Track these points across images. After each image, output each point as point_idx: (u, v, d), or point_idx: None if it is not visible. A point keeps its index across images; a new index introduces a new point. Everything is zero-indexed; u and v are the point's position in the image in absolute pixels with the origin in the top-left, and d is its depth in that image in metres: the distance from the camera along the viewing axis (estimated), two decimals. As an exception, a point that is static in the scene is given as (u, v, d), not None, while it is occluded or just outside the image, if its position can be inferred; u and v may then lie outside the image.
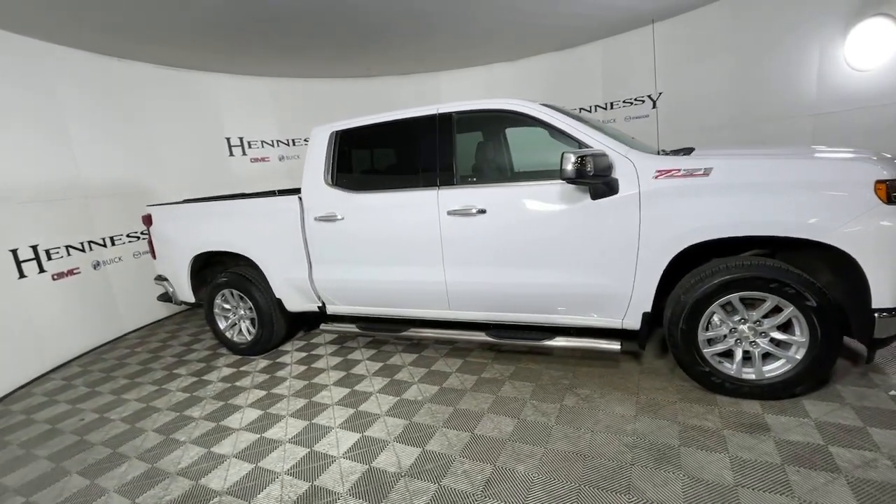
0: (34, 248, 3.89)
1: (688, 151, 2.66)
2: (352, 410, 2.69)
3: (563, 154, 2.25)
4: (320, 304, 3.42)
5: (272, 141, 6.65)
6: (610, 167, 2.32)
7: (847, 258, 2.03)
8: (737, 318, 2.30)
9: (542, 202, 2.55)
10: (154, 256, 3.93)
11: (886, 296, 2.02)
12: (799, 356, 2.20)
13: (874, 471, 1.76)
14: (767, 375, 2.27)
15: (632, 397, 2.49)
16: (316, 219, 3.15)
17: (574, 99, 6.30)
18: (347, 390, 2.95)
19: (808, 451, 1.91)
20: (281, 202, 3.32)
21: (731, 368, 2.35)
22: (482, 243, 2.70)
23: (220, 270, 3.89)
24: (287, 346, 3.85)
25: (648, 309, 2.43)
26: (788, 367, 2.23)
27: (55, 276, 4.05)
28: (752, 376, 2.30)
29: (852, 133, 4.30)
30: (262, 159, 6.56)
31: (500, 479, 1.96)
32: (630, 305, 2.47)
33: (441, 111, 2.87)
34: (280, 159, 6.75)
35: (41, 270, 3.94)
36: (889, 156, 2.13)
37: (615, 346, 2.58)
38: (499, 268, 2.69)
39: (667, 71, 5.49)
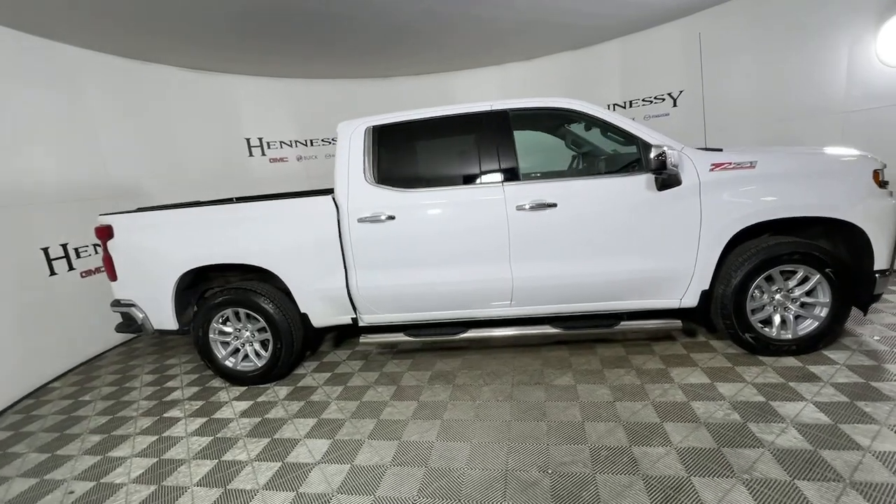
0: (64, 246, 4.03)
1: (717, 151, 3.07)
2: (438, 421, 2.50)
3: (649, 148, 2.45)
4: (354, 316, 3.11)
5: (290, 141, 6.70)
6: (678, 161, 2.58)
7: (857, 231, 2.57)
8: (774, 288, 2.73)
9: (612, 194, 2.71)
10: (113, 277, 3.15)
11: (883, 260, 2.59)
12: (823, 314, 2.69)
13: (913, 394, 2.25)
14: (801, 334, 2.72)
15: (695, 369, 2.76)
16: (359, 220, 2.87)
17: (591, 97, 6.17)
18: (414, 402, 2.73)
19: (859, 388, 2.35)
20: (312, 204, 2.96)
21: (771, 332, 2.76)
22: (553, 237, 2.76)
23: (205, 290, 3.31)
24: (299, 369, 3.39)
25: (707, 287, 2.74)
26: (816, 324, 2.71)
27: (83, 274, 4.19)
28: (789, 336, 2.74)
29: (883, 130, 4.19)
30: (281, 160, 6.61)
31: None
32: (690, 285, 2.75)
33: (495, 108, 2.88)
34: (298, 159, 6.78)
35: (70, 268, 4.08)
36: (869, 154, 2.75)
37: (677, 324, 2.84)
38: (569, 260, 2.78)
39: (689, 69, 5.43)
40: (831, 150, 2.81)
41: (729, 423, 2.19)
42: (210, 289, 3.35)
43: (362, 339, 3.16)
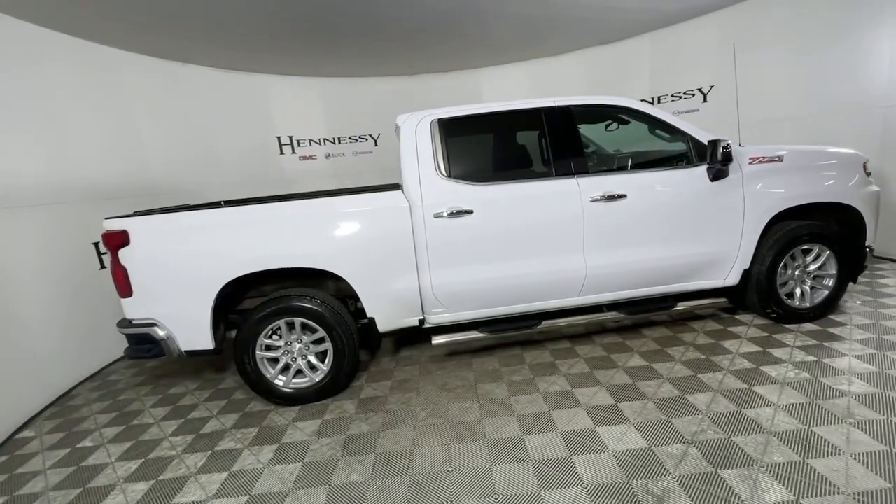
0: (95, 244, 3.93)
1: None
2: (543, 405, 2.49)
3: (712, 142, 2.75)
4: (421, 318, 2.96)
5: (319, 139, 6.85)
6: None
7: (855, 213, 3.12)
8: (795, 264, 3.19)
9: (675, 186, 2.96)
10: (126, 292, 2.62)
11: (871, 237, 3.18)
12: (831, 284, 3.20)
13: (918, 341, 2.79)
14: (816, 302, 3.21)
15: (741, 340, 3.10)
16: (435, 216, 2.76)
17: (619, 93, 5.66)
18: (505, 394, 2.68)
19: (877, 334, 2.84)
20: (384, 199, 2.77)
21: (794, 303, 3.22)
22: (623, 226, 2.92)
23: (238, 300, 2.93)
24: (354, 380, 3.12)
25: (748, 266, 3.10)
26: (826, 293, 3.21)
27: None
28: (807, 305, 3.21)
29: None
30: (310, 157, 6.78)
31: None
32: (734, 265, 3.09)
33: (559, 103, 2.98)
34: (326, 157, 6.93)
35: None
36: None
37: (724, 301, 3.17)
38: (637, 247, 2.96)
39: (720, 63, 5.32)
40: (831, 149, 3.38)
41: (803, 381, 2.51)
42: (249, 299, 2.94)
43: (435, 341, 3.00)
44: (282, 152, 6.54)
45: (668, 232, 2.97)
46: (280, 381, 2.83)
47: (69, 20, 3.71)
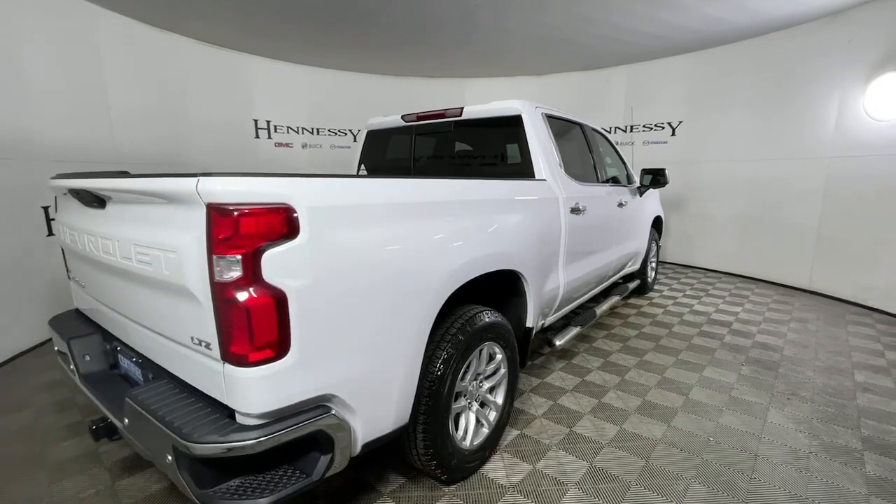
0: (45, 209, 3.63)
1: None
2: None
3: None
4: (543, 321, 2.71)
5: (297, 128, 6.65)
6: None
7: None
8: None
9: (632, 198, 3.95)
10: (284, 346, 1.24)
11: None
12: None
13: None
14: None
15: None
16: (572, 210, 2.70)
17: (596, 119, 6.21)
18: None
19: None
20: (541, 188, 2.52)
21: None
22: (626, 224, 3.85)
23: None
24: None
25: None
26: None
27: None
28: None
29: (864, 177, 4.46)
30: (286, 145, 6.57)
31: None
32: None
33: (594, 127, 3.69)
34: (303, 147, 6.74)
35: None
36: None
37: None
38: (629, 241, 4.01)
39: (689, 102, 5.88)
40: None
41: None
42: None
43: (558, 344, 2.83)
44: (257, 136, 6.22)
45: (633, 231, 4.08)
46: (466, 442, 2.01)
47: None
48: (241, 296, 1.17)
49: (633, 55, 6.03)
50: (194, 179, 1.16)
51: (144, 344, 1.60)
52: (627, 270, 4.26)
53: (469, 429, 2.03)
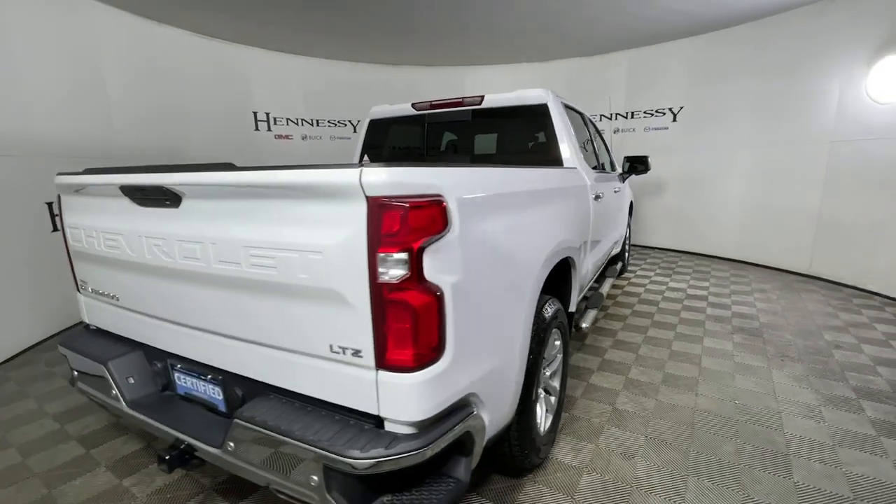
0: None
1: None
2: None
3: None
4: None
5: (297, 119, 6.58)
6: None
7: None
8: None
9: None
10: (434, 346, 1.16)
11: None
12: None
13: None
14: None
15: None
16: (595, 198, 2.83)
17: (596, 104, 6.50)
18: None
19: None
20: (577, 175, 2.60)
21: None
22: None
23: None
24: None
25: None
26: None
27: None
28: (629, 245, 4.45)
29: (865, 160, 4.39)
30: (286, 136, 6.51)
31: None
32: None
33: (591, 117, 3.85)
34: (303, 138, 6.66)
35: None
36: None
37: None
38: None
39: (690, 87, 5.76)
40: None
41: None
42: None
43: (584, 326, 2.80)
44: (257, 128, 6.19)
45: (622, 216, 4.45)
46: (541, 428, 2.02)
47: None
48: (408, 297, 1.09)
49: (633, 40, 5.94)
50: (356, 170, 1.05)
51: (236, 359, 1.42)
52: (613, 253, 4.50)
53: (541, 415, 2.06)
